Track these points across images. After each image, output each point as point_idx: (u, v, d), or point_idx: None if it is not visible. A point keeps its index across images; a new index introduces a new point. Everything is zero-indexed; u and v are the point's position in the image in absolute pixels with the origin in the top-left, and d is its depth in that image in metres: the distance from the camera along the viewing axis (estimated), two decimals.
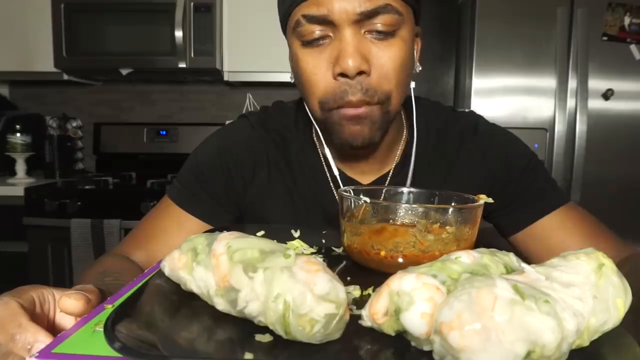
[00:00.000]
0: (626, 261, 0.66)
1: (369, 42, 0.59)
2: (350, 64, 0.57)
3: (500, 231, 0.78)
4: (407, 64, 0.62)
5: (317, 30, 0.60)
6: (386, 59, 0.60)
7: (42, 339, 0.35)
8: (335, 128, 0.63)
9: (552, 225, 0.72)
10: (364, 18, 0.58)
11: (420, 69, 0.67)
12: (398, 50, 0.60)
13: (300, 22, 0.60)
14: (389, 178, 0.74)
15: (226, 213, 0.75)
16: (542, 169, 0.76)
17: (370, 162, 0.73)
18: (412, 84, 0.68)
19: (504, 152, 0.75)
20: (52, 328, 0.41)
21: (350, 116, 0.61)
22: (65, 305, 0.38)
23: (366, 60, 0.59)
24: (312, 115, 0.68)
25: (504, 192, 0.73)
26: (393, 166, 0.74)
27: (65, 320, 0.41)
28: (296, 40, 0.62)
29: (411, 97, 0.72)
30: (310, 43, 0.61)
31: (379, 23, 0.58)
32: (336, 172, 0.71)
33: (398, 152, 0.74)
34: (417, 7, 0.65)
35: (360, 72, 0.59)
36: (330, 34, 0.60)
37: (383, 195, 0.61)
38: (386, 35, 0.59)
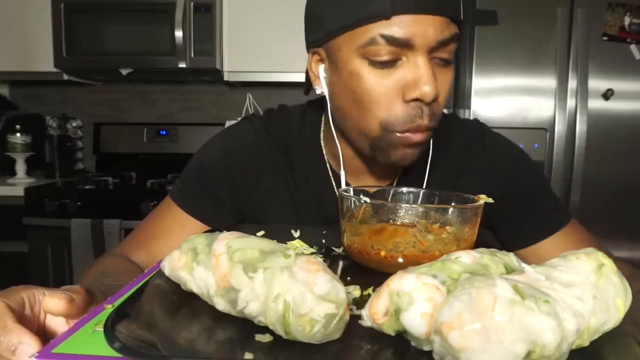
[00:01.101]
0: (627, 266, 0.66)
1: (435, 68, 0.60)
2: (429, 90, 0.57)
3: (502, 245, 0.78)
4: None
5: (392, 52, 0.58)
6: (444, 85, 0.61)
7: (27, 341, 0.34)
8: (389, 149, 0.63)
9: (555, 245, 0.72)
10: (439, 46, 0.58)
11: None
12: (451, 76, 0.62)
13: (377, 41, 0.57)
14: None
15: (228, 216, 0.74)
16: (548, 186, 0.77)
17: (376, 175, 0.73)
18: None
19: (513, 167, 0.75)
20: (43, 329, 0.40)
21: (414, 142, 0.61)
22: (48, 305, 0.38)
23: (437, 86, 0.59)
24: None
25: (510, 207, 0.73)
26: (396, 179, 0.74)
27: (56, 322, 0.40)
28: (361, 58, 0.59)
29: None
30: (383, 64, 0.59)
31: (447, 51, 0.60)
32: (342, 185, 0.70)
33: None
34: None
35: (434, 99, 0.59)
36: (403, 57, 0.59)
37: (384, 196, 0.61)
38: (447, 62, 0.61)
